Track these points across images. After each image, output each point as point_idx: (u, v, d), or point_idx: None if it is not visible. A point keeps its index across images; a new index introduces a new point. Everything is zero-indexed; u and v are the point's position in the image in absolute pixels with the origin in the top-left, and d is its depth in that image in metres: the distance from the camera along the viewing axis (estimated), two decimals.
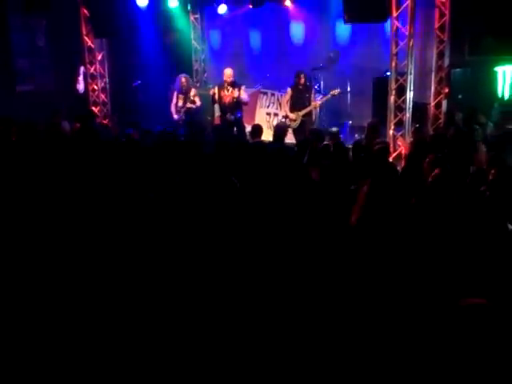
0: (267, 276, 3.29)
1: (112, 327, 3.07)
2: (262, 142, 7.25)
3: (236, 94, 8.89)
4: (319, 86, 10.22)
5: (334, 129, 7.88)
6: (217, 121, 9.98)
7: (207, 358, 2.82)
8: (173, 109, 9.26)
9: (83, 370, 2.84)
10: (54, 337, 3.02)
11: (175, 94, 9.27)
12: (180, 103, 9.18)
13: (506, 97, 9.31)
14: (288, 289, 3.18)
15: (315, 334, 2.87)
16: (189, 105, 9.08)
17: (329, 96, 9.07)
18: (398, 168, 6.34)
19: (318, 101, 9.15)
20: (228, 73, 8.97)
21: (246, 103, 9.20)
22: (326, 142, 6.91)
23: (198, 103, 9.23)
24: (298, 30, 11.57)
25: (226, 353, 2.84)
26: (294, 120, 8.93)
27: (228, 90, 8.94)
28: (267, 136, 8.91)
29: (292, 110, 8.99)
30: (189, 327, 3.02)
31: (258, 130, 7.45)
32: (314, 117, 9.25)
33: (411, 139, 7.92)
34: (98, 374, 2.82)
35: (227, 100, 8.98)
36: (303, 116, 8.88)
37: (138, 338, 2.98)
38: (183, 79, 9.22)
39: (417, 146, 5.99)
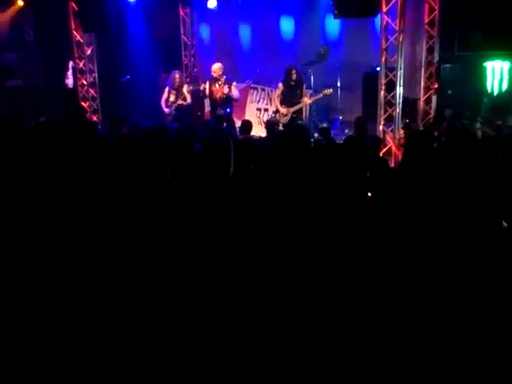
0: (262, 273, 3.29)
1: (103, 325, 3.07)
2: (251, 138, 7.23)
3: (226, 90, 8.88)
4: (309, 82, 10.22)
5: (325, 124, 7.91)
6: (207, 116, 9.97)
7: (207, 359, 2.82)
8: (163, 103, 9.25)
9: (83, 371, 2.84)
10: (53, 337, 3.01)
11: (167, 89, 9.25)
12: (172, 98, 9.19)
13: (495, 92, 9.37)
14: (285, 285, 3.19)
15: (315, 331, 2.88)
16: (180, 101, 9.11)
17: (321, 95, 9.05)
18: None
19: (309, 98, 9.13)
20: (215, 68, 8.95)
21: (236, 100, 9.18)
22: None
23: (189, 100, 9.25)
24: (288, 25, 11.57)
25: (225, 352, 2.84)
26: (285, 115, 8.91)
27: (219, 85, 8.93)
28: (257, 131, 8.91)
29: (282, 105, 8.98)
30: (182, 326, 3.02)
31: (247, 125, 7.44)
32: (304, 113, 9.25)
33: (401, 134, 7.95)
34: (98, 375, 2.82)
35: (218, 95, 8.97)
36: (294, 112, 8.88)
37: (135, 339, 2.98)
38: (177, 75, 9.24)
39: (413, 139, 6.03)
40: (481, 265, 3.09)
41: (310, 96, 9.38)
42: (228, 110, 9.10)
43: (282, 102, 8.97)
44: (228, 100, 9.00)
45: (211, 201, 4.01)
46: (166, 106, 9.21)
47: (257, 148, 6.08)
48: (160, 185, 4.50)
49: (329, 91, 8.97)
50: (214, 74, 8.94)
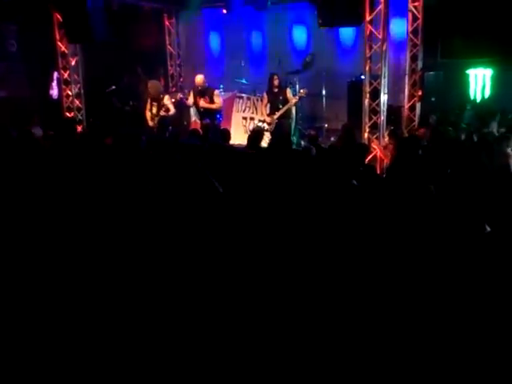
0: (253, 279, 3.29)
1: (108, 326, 3.05)
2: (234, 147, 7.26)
3: (201, 103, 8.87)
4: (294, 90, 10.27)
5: (312, 132, 7.93)
6: (193, 125, 9.94)
7: (207, 358, 2.81)
8: (147, 115, 9.11)
9: (83, 370, 2.81)
10: (53, 337, 2.99)
11: (149, 100, 9.10)
12: (154, 111, 8.89)
13: (478, 99, 9.47)
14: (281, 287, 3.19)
15: (315, 331, 2.88)
16: (162, 113, 8.78)
17: (297, 98, 9.07)
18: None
19: (292, 99, 9.08)
20: (198, 80, 8.93)
21: (216, 110, 9.12)
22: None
23: (172, 110, 8.93)
24: (273, 34, 11.63)
25: (225, 352, 2.83)
26: (270, 124, 8.95)
27: (201, 98, 8.92)
28: (243, 140, 8.91)
29: (270, 113, 9.01)
30: (183, 326, 3.01)
31: (226, 134, 7.44)
32: (292, 118, 9.26)
33: (386, 141, 8.00)
34: (98, 374, 2.79)
35: (201, 106, 8.98)
36: (278, 118, 8.90)
37: (135, 338, 2.96)
38: (149, 84, 8.99)
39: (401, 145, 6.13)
40: (465, 268, 3.11)
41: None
42: (218, 119, 9.09)
43: (269, 111, 9.02)
44: (211, 111, 8.98)
45: (197, 208, 4.01)
46: (151, 118, 9.03)
47: (243, 157, 6.12)
48: (142, 193, 4.49)
49: (303, 92, 9.00)
50: (198, 87, 8.93)
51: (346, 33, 10.82)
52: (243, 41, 11.93)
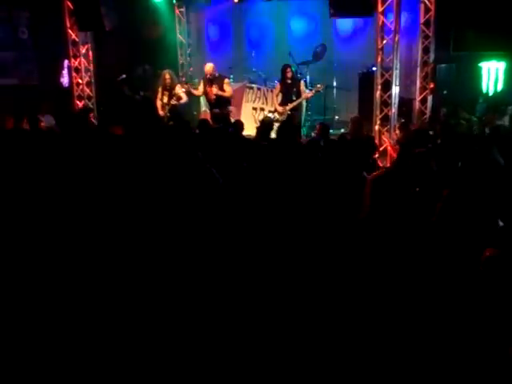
0: (252, 272, 3.29)
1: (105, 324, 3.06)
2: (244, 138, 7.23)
3: (214, 90, 8.84)
4: (305, 81, 10.21)
5: (324, 123, 7.91)
6: (203, 115, 9.92)
7: (206, 358, 2.82)
8: (158, 104, 9.15)
9: (83, 370, 2.82)
10: (53, 336, 3.00)
11: (160, 89, 9.14)
12: (165, 100, 9.00)
13: (491, 92, 9.39)
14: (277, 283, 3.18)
15: (315, 330, 2.88)
16: (173, 101, 8.90)
17: (313, 92, 9.04)
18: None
19: (307, 93, 9.07)
20: (207, 68, 8.91)
21: (228, 98, 9.11)
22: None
23: (184, 99, 9.02)
24: (284, 25, 11.56)
25: (224, 350, 2.84)
26: (282, 114, 8.92)
27: (211, 86, 8.90)
28: (253, 131, 8.88)
29: (281, 104, 9.00)
30: (179, 324, 3.01)
31: (239, 125, 7.41)
32: (302, 110, 9.24)
33: (397, 134, 7.95)
34: (98, 374, 2.80)
35: (212, 96, 8.95)
36: (290, 110, 8.87)
37: (134, 338, 2.97)
38: (167, 75, 8.99)
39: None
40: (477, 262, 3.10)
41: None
42: (226, 109, 9.05)
43: (281, 101, 9.01)
44: (222, 100, 8.95)
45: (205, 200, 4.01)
46: (161, 107, 9.09)
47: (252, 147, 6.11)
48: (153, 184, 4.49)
49: (320, 86, 8.96)
50: (208, 75, 8.91)
51: (358, 23, 10.75)
52: (253, 31, 11.87)
